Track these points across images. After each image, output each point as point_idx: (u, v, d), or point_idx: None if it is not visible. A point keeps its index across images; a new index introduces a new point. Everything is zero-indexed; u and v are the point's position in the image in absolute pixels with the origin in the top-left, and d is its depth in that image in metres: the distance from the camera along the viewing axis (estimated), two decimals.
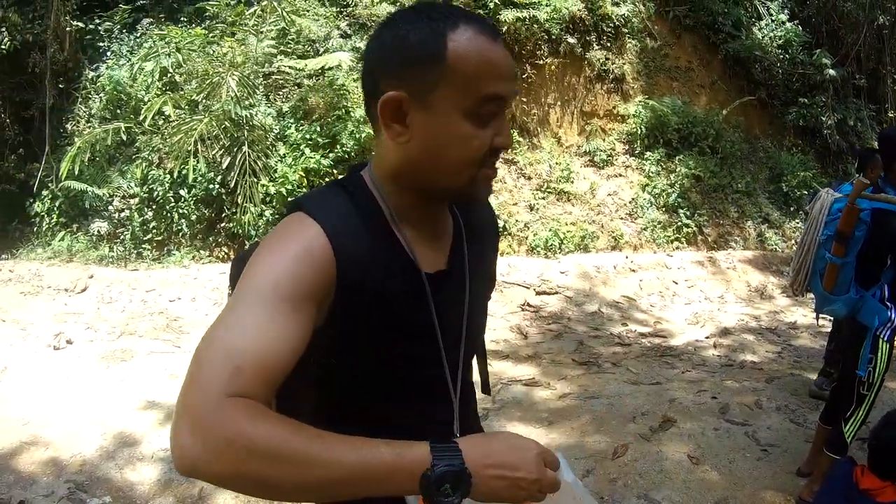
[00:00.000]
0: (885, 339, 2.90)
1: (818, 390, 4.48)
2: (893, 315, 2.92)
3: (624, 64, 9.24)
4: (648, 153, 8.80)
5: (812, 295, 3.24)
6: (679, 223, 8.37)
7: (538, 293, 6.91)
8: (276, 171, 7.27)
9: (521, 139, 8.56)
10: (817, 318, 3.35)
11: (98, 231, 7.92)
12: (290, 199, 7.14)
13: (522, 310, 6.61)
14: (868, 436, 2.62)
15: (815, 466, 3.22)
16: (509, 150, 7.94)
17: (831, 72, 10.19)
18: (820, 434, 3.32)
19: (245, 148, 7.13)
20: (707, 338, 6.18)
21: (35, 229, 8.72)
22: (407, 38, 0.95)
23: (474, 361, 1.29)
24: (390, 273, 1.01)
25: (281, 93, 7.86)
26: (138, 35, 8.56)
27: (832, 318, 3.88)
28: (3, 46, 8.26)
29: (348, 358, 1.02)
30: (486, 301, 1.28)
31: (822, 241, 2.93)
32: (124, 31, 8.68)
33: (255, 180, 7.12)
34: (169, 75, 7.91)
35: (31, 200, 8.51)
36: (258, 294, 0.88)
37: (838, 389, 3.26)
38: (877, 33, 11.33)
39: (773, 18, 10.60)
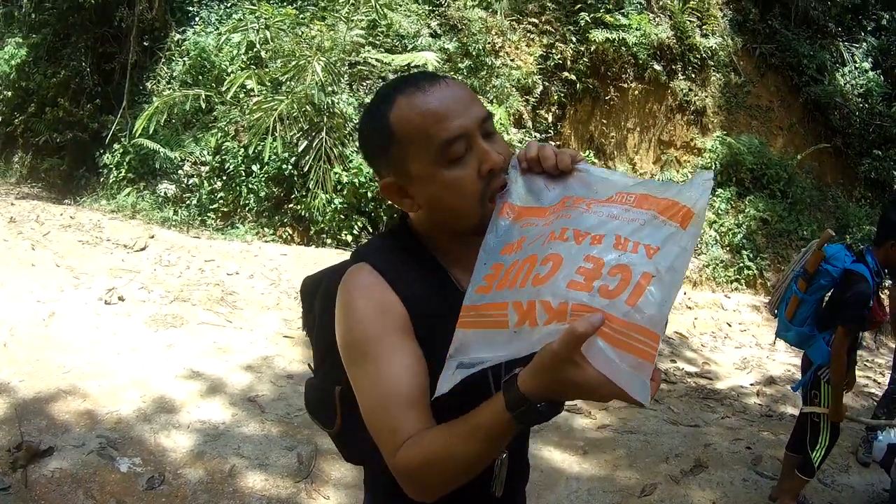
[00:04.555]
0: (825, 380, 3.24)
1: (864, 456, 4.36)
2: None
3: (706, 97, 9.11)
4: (720, 190, 8.69)
5: None
6: (741, 264, 8.28)
7: None
8: (350, 160, 7.27)
9: (596, 160, 8.49)
10: (775, 340, 3.85)
11: (165, 192, 8.02)
12: (360, 189, 7.19)
13: None
14: None
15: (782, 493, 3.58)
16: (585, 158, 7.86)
17: None
18: (786, 462, 3.62)
19: (323, 134, 7.15)
20: (752, 385, 6.10)
21: (101, 180, 8.85)
22: (364, 134, 1.13)
23: None
24: (442, 297, 1.11)
25: (364, 84, 7.85)
26: (229, 5, 8.61)
27: None
28: None
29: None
30: None
31: (796, 275, 3.29)
32: None
33: (329, 167, 7.14)
34: (255, 50, 7.95)
35: (102, 151, 8.63)
36: (360, 354, 1.07)
37: (801, 417, 3.57)
38: None
39: (857, 66, 10.37)
